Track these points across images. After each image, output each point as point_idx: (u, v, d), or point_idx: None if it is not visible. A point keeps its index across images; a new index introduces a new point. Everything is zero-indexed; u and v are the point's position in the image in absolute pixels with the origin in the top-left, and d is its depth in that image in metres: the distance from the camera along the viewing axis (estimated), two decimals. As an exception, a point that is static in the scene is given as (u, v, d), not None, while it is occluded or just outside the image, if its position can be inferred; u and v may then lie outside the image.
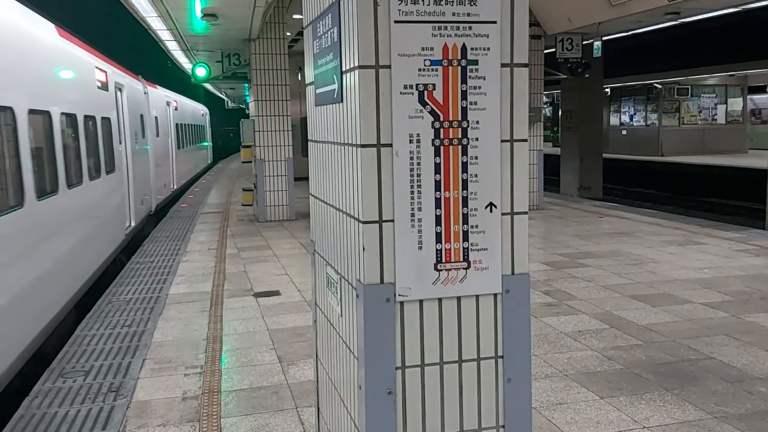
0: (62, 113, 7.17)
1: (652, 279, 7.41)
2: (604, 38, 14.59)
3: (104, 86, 9.80)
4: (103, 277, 8.74)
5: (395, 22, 2.17)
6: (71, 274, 7.25)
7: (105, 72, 9.96)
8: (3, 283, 5.11)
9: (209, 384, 4.71)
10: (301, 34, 9.27)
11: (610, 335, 5.55)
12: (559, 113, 22.88)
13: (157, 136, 16.22)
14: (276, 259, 9.04)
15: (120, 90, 11.38)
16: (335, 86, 2.46)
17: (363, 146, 2.21)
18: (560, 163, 19.91)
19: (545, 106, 30.69)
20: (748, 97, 27.10)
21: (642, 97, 26.61)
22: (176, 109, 20.87)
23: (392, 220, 2.25)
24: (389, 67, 2.19)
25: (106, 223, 9.39)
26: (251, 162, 13.37)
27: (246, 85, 17.53)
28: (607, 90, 25.92)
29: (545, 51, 13.96)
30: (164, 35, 13.62)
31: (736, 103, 26.75)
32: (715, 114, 26.57)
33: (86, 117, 8.33)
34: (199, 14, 10.60)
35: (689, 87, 25.96)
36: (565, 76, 15.40)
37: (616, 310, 6.24)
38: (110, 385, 4.76)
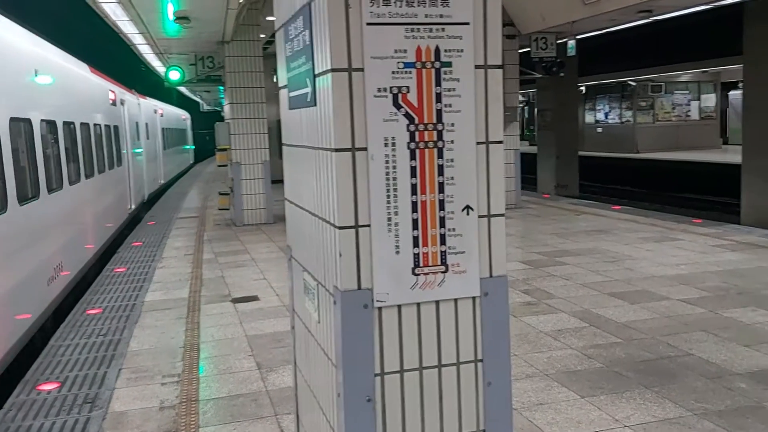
0: (95, 124, 11.16)
1: (629, 276, 7.46)
2: (578, 37, 14.65)
3: (114, 103, 13.75)
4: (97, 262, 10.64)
5: (367, 24, 2.14)
6: (106, 224, 11.87)
7: (114, 92, 13.86)
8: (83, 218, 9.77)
9: (187, 393, 4.64)
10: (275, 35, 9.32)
11: (589, 333, 5.56)
12: (535, 112, 23.02)
13: (148, 138, 19.70)
14: (254, 264, 8.97)
15: (123, 104, 15.08)
16: (308, 89, 2.42)
17: (337, 150, 2.17)
18: (537, 162, 20.03)
19: (521, 105, 30.84)
20: (729, 93, 27.43)
21: (616, 94, 26.83)
22: (162, 116, 24.59)
23: (369, 225, 2.22)
24: (362, 70, 2.16)
25: (116, 203, 13.39)
26: (227, 166, 13.27)
27: (221, 87, 17.41)
28: (582, 88, 26.12)
29: (520, 50, 14.02)
30: (136, 39, 13.47)
31: (709, 99, 27.06)
32: (689, 110, 26.87)
33: (106, 126, 12.42)
34: (171, 17, 10.49)
35: (663, 84, 26.21)
36: (541, 76, 15.47)
37: (595, 308, 6.26)
38: (86, 396, 4.68)
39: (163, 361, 5.32)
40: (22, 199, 6.47)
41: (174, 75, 13.82)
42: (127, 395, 4.65)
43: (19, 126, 6.69)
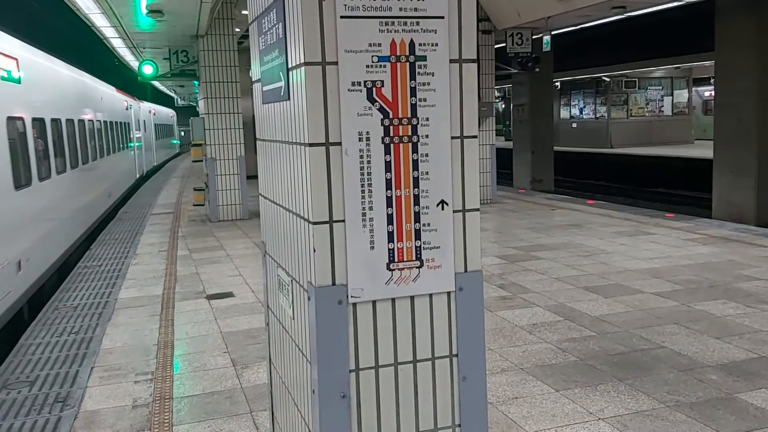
0: (121, 122, 18.85)
1: (603, 270, 7.52)
2: (553, 33, 14.77)
3: (127, 107, 21.42)
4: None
5: (341, 17, 2.12)
6: (123, 184, 19.37)
7: (126, 101, 21.38)
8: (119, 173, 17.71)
9: (160, 391, 4.59)
10: (249, 30, 9.24)
11: (564, 327, 5.60)
12: (511, 107, 23.13)
13: (145, 131, 27.61)
14: (229, 260, 8.91)
15: (131, 108, 22.56)
16: (282, 84, 2.39)
17: (311, 145, 2.15)
18: (513, 157, 20.13)
19: (497, 100, 30.98)
20: (700, 90, 27.80)
21: (591, 90, 27.08)
22: (154, 114, 32.77)
23: (343, 220, 2.20)
24: (336, 63, 2.14)
25: (130, 169, 21.20)
26: (202, 161, 13.16)
27: (195, 82, 17.24)
28: (557, 84, 26.29)
29: (496, 46, 14.06)
30: (109, 32, 13.29)
31: (682, 95, 27.41)
32: (662, 106, 27.18)
33: (125, 123, 20.36)
34: (144, 10, 10.36)
35: (637, 80, 26.51)
36: (516, 71, 15.55)
37: (570, 302, 6.31)
38: (57, 395, 4.61)
39: (137, 359, 5.26)
40: (109, 152, 16.27)
41: (147, 69, 13.66)
42: (99, 394, 4.59)
43: (107, 124, 16.14)
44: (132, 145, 22.31)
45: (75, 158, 11.60)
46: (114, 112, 17.84)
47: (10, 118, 7.68)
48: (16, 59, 8.18)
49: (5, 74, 7.69)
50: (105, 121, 15.86)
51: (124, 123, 20.26)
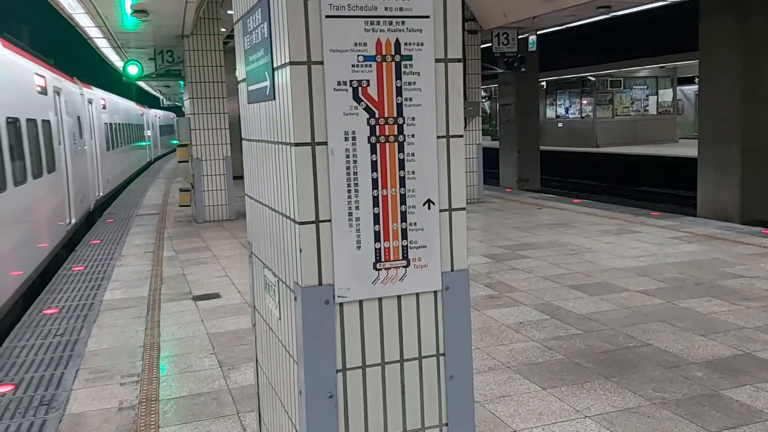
0: (136, 125, 29.79)
1: (589, 268, 7.56)
2: (539, 32, 14.81)
3: (142, 115, 32.37)
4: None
5: (326, 16, 2.11)
6: (142, 159, 32.51)
7: (141, 110, 31.90)
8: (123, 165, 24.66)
9: (146, 393, 4.56)
10: (235, 30, 9.26)
11: (550, 326, 5.62)
12: (497, 107, 23.19)
13: (152, 130, 38.15)
14: (216, 261, 8.87)
15: (144, 114, 33.14)
16: (267, 83, 2.39)
17: (297, 145, 2.15)
18: (499, 156, 20.19)
19: (483, 100, 31.04)
20: (692, 88, 27.96)
21: (576, 89, 27.20)
22: (158, 117, 43.77)
23: (329, 220, 2.20)
24: (321, 63, 2.13)
25: (144, 155, 32.83)
26: (188, 161, 13.10)
27: (181, 82, 17.16)
28: (543, 83, 26.40)
29: (482, 46, 14.09)
30: (93, 32, 13.19)
31: (666, 94, 27.58)
32: (647, 105, 27.35)
33: (139, 125, 31.05)
34: (129, 11, 10.30)
35: (622, 79, 26.65)
36: (502, 71, 15.59)
37: (556, 301, 6.33)
38: (42, 398, 4.57)
39: (122, 361, 5.23)
40: (134, 141, 28.40)
41: (132, 70, 13.56)
42: (84, 396, 4.56)
43: (131, 126, 27.72)
44: (144, 143, 33.40)
45: (125, 140, 24.50)
46: (136, 118, 29.76)
47: (125, 124, 24.30)
48: (103, 100, 19.54)
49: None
50: (131, 124, 27.14)
51: (139, 125, 31.07)
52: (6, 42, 8.76)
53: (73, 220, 12.20)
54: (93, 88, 17.72)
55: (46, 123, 10.37)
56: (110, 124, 20.25)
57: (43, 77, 10.55)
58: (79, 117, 14.27)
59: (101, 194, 17.01)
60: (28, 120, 9.00)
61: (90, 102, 16.31)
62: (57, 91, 11.69)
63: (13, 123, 8.15)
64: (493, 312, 6.05)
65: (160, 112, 45.72)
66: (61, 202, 11.34)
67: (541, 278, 7.22)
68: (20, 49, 9.51)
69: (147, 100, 43.07)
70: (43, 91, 10.45)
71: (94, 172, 15.88)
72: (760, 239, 8.80)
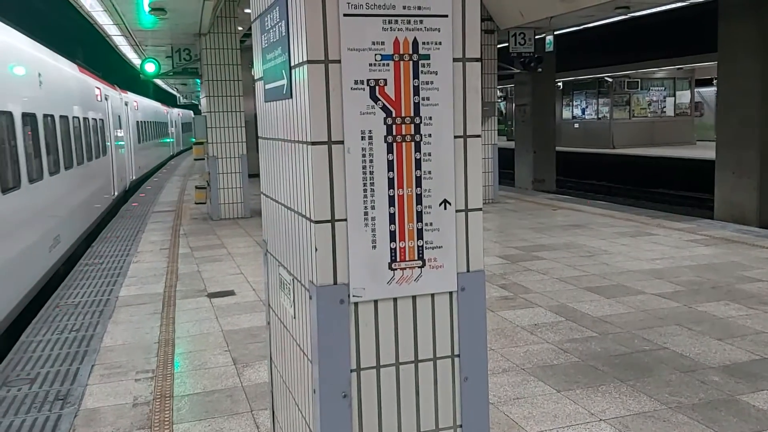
0: (161, 122, 35.42)
1: (605, 270, 7.51)
2: (555, 33, 14.74)
3: (166, 114, 38.42)
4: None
5: (344, 15, 2.11)
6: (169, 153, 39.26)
7: (167, 110, 38.54)
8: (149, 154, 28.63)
9: (161, 389, 4.58)
10: (252, 28, 9.34)
11: (565, 328, 5.59)
12: (513, 107, 23.10)
13: (174, 128, 42.58)
14: (230, 258, 8.90)
15: (168, 113, 38.77)
16: (284, 82, 2.38)
17: (313, 143, 2.14)
18: (515, 157, 20.12)
19: (499, 100, 30.94)
20: (711, 91, 27.70)
21: (593, 90, 27.03)
22: (180, 115, 46.98)
23: (345, 219, 2.19)
24: (339, 62, 2.12)
25: (168, 150, 38.86)
26: (204, 159, 13.15)
27: (197, 80, 17.24)
28: (559, 84, 26.27)
29: (498, 45, 14.04)
30: (111, 30, 13.28)
31: (684, 96, 27.34)
32: (664, 106, 27.13)
33: (163, 122, 36.66)
34: (147, 8, 10.36)
35: (639, 80, 26.45)
36: (519, 71, 15.53)
37: (571, 303, 6.29)
38: (57, 392, 4.60)
39: (137, 357, 5.25)
40: (160, 137, 33.72)
41: (150, 67, 13.64)
42: (99, 392, 4.59)
43: (157, 125, 32.24)
44: (168, 140, 38.65)
45: (153, 136, 28.77)
46: (161, 116, 35.00)
47: (153, 122, 29.65)
48: (136, 102, 23.43)
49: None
50: (157, 122, 31.71)
51: (164, 123, 36.29)
52: (80, 67, 13.21)
53: (116, 193, 16.72)
54: (128, 92, 22.34)
55: (101, 121, 14.95)
56: (140, 122, 24.77)
57: (99, 89, 15.08)
58: (119, 116, 18.73)
59: (134, 177, 21.74)
60: (93, 119, 13.63)
61: (126, 104, 20.59)
62: (106, 97, 16.12)
63: (86, 120, 12.81)
64: (508, 313, 6.02)
65: (182, 111, 49.31)
66: (108, 178, 15.76)
67: (556, 280, 7.18)
68: (87, 70, 13.97)
69: (164, 97, 43.76)
70: (100, 99, 15.08)
71: (129, 159, 20.65)
72: (778, 243, 8.71)
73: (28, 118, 8.13)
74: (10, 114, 7.33)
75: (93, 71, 14.99)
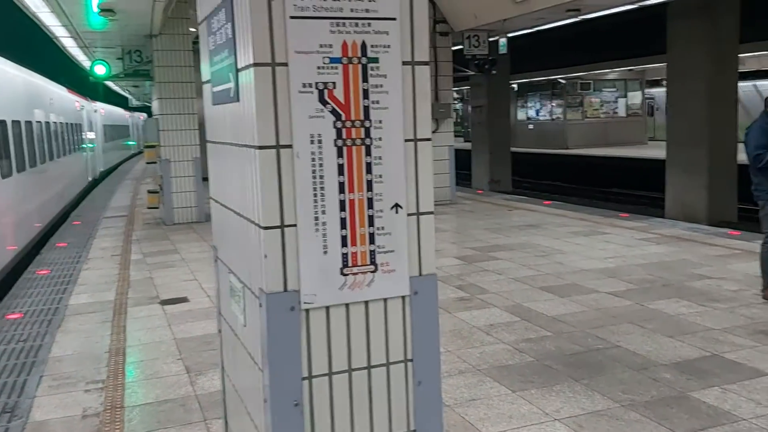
0: (122, 125, 43.16)
1: (559, 270, 7.59)
2: (509, 35, 14.88)
3: (129, 118, 46.80)
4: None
5: (291, 17, 2.08)
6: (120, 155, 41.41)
7: (129, 115, 46.28)
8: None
9: (111, 399, 4.47)
10: (204, 30, 9.14)
11: (521, 328, 5.63)
12: (469, 109, 23.28)
13: (136, 130, 48.23)
14: (184, 264, 8.75)
15: (130, 117, 47.05)
16: (231, 85, 2.34)
17: (261, 148, 2.11)
18: (471, 158, 20.26)
19: (455, 102, 31.17)
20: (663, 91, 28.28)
21: (547, 92, 27.42)
22: (142, 119, 47.21)
23: (295, 225, 2.16)
24: (286, 64, 2.09)
25: (131, 145, 47.44)
26: (156, 163, 12.92)
27: (149, 82, 16.93)
28: (514, 86, 26.57)
29: (453, 48, 14.12)
30: (59, 32, 12.96)
31: (635, 97, 27.91)
32: (616, 107, 27.66)
33: (124, 125, 43.85)
34: (95, 9, 10.13)
35: (591, 82, 26.92)
36: (474, 73, 15.63)
37: (526, 302, 6.35)
38: (4, 405, 4.45)
39: (87, 367, 5.12)
40: (118, 138, 38.55)
41: (100, 69, 13.37)
42: (48, 403, 4.45)
43: (117, 128, 39.19)
44: (130, 142, 44.52)
45: (117, 136, 36.45)
46: (123, 120, 40.79)
47: (117, 125, 38.32)
48: (103, 110, 30.45)
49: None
50: (120, 125, 36.60)
51: (126, 126, 42.28)
52: (68, 89, 19.95)
53: (90, 178, 23.15)
54: (97, 102, 28.90)
55: (79, 125, 21.14)
56: (106, 125, 30.85)
57: (78, 102, 21.51)
58: (91, 121, 24.57)
59: (102, 168, 27.89)
60: (74, 124, 19.72)
61: (95, 111, 26.84)
62: (82, 107, 22.39)
63: (70, 125, 18.79)
64: (464, 314, 6.04)
65: (144, 115, 56.11)
66: (86, 166, 22.58)
67: (511, 280, 7.23)
68: (71, 90, 20.74)
69: (115, 100, 42.86)
70: (79, 108, 21.63)
71: (98, 154, 27.07)
72: (727, 240, 8.93)
73: (48, 123, 14.72)
74: (47, 122, 14.62)
75: (73, 89, 21.53)
